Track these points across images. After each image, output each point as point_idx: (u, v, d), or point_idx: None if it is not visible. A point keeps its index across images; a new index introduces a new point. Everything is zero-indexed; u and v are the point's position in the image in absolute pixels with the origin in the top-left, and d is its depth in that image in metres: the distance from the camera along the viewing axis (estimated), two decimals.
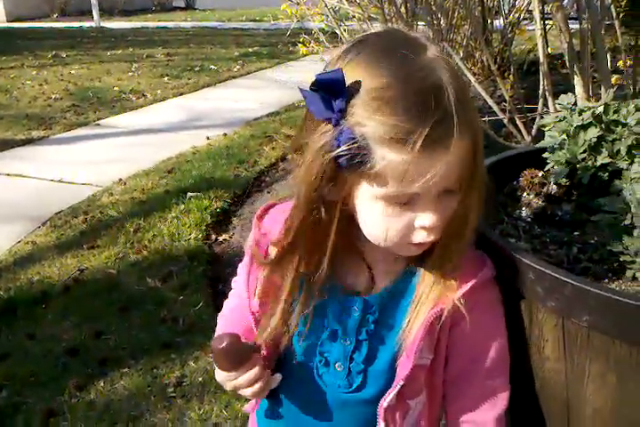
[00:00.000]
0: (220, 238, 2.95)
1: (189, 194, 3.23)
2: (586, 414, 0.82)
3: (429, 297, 0.82)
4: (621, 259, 0.83)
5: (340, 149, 0.70)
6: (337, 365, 0.87)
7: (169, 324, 2.28)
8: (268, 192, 3.36)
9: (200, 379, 1.98)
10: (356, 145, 0.70)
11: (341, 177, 0.73)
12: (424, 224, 0.75)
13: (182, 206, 3.11)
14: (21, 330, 2.29)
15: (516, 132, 2.73)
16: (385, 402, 0.84)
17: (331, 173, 0.73)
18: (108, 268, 2.67)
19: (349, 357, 0.86)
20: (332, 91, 0.70)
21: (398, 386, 0.83)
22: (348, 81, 0.71)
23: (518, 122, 2.71)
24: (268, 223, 0.92)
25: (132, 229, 2.96)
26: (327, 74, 0.71)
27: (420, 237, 0.77)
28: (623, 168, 0.94)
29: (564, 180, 0.97)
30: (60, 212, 3.26)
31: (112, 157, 4.06)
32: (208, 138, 4.32)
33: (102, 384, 2.00)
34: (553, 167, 1.00)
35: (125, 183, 3.57)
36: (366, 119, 0.69)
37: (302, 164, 0.75)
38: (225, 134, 4.38)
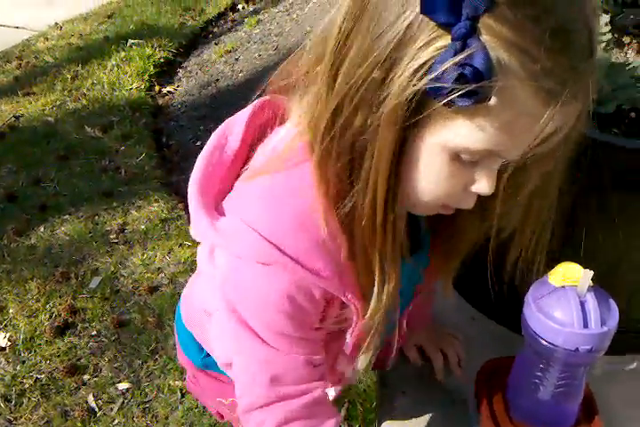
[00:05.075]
0: (165, 90, 2.83)
1: (131, 41, 3.04)
2: None
3: None
4: None
5: (454, 74, 0.48)
6: None
7: (110, 173, 2.24)
8: (216, 44, 3.18)
9: (143, 227, 2.00)
10: (486, 72, 0.48)
11: (426, 110, 0.52)
12: (483, 191, 0.59)
13: (123, 54, 2.94)
14: None
15: None
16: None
17: (418, 104, 0.52)
18: (46, 115, 2.56)
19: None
20: None
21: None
22: None
23: None
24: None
25: (69, 77, 2.81)
26: None
27: (466, 203, 0.63)
28: None
29: None
30: None
31: (47, 0, 3.74)
32: None
33: (42, 230, 2.00)
34: None
35: (62, 28, 3.33)
36: (512, 46, 0.48)
37: (375, 81, 0.52)
38: None
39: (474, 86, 0.48)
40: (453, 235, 0.76)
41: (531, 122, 0.52)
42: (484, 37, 0.48)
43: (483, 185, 0.59)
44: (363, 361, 0.84)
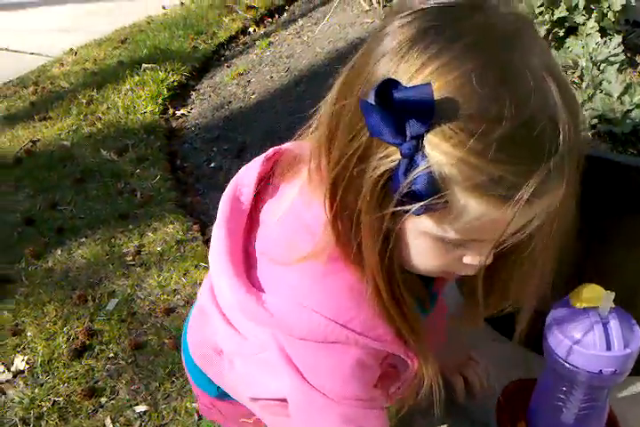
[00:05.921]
0: (178, 113, 2.86)
1: (144, 65, 3.08)
2: None
3: None
4: None
5: (405, 190, 0.51)
6: None
7: (126, 196, 2.26)
8: (228, 66, 3.22)
9: (159, 249, 2.01)
10: (432, 190, 0.51)
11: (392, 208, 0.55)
12: (474, 264, 0.61)
13: (137, 78, 2.98)
14: None
15: None
16: None
17: (386, 203, 0.55)
18: (62, 140, 2.60)
19: None
20: (411, 111, 0.49)
21: None
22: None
23: None
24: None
25: (84, 101, 2.85)
26: (410, 91, 0.48)
27: (464, 271, 0.64)
28: (579, 23, 0.91)
29: None
30: (8, 82, 3.11)
31: (62, 26, 3.81)
32: (164, 7, 4.06)
33: (59, 253, 2.01)
34: None
35: (77, 53, 3.39)
36: (456, 161, 0.50)
37: (347, 183, 0.56)
38: (182, 3, 4.12)
39: (420, 203, 0.51)
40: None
41: (491, 222, 0.53)
42: (429, 153, 0.50)
43: (474, 260, 0.60)
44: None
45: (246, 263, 0.70)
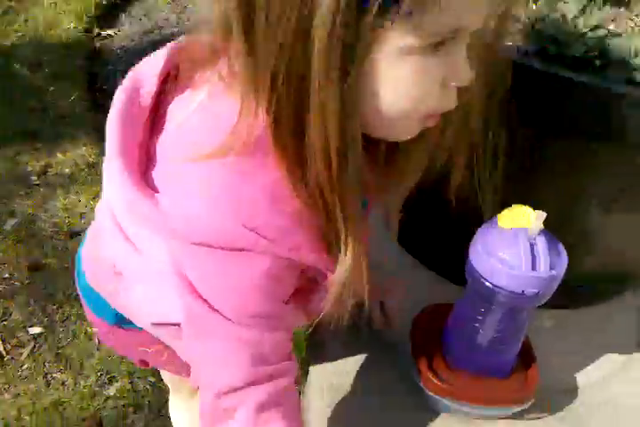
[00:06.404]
0: (104, 33, 2.67)
1: None
2: None
3: None
4: None
5: None
6: None
7: (37, 113, 2.10)
8: None
9: (67, 170, 1.88)
10: None
11: (364, 32, 0.48)
12: (463, 78, 0.54)
13: None
14: None
15: None
16: None
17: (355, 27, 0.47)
18: None
19: None
20: None
21: None
22: None
23: None
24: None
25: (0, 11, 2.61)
26: None
27: (448, 102, 0.56)
28: None
29: None
30: None
31: None
32: None
33: None
34: None
35: None
36: None
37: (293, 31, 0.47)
38: None
39: None
40: (399, 162, 0.70)
41: None
42: None
43: (461, 71, 0.53)
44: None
45: (144, 163, 0.60)
